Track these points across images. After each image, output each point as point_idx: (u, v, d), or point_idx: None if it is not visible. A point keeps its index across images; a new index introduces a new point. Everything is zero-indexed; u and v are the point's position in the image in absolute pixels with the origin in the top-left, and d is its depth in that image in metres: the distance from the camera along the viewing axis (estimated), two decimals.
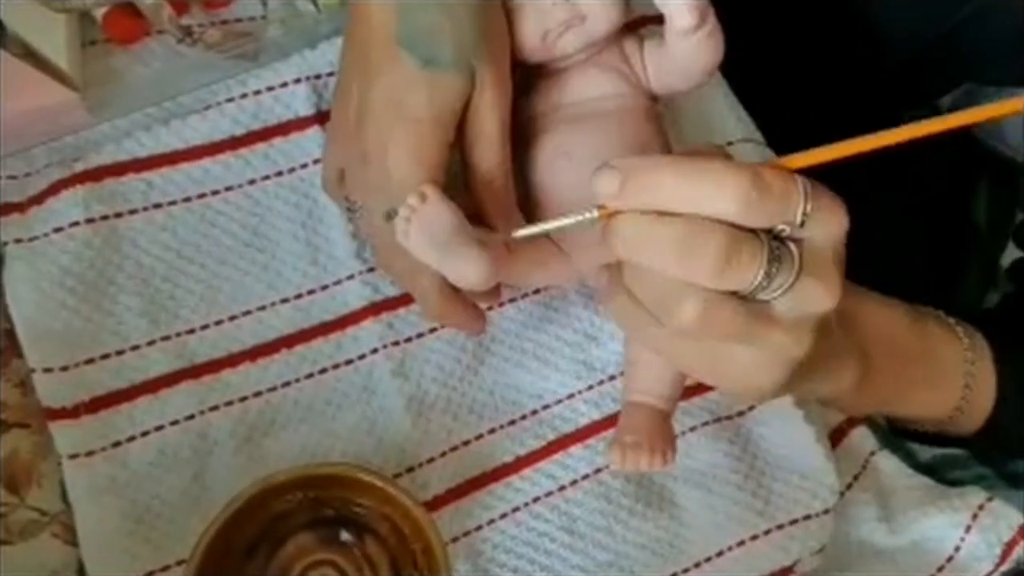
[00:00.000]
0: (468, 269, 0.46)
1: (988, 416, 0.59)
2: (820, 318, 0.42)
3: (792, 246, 0.41)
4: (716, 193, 0.39)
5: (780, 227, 0.40)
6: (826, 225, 0.41)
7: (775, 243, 0.40)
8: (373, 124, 0.50)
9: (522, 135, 0.55)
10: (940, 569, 0.60)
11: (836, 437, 0.63)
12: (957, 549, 0.60)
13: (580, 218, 0.43)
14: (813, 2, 0.71)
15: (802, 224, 0.40)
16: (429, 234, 0.47)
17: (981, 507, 0.60)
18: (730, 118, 0.67)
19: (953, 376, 0.57)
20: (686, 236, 0.39)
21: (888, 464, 0.63)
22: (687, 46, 0.51)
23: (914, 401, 0.58)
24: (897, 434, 0.64)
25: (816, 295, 0.42)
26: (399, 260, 0.51)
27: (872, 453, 0.63)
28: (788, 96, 0.54)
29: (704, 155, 0.41)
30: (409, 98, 0.50)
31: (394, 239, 0.48)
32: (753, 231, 0.40)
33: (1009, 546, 0.59)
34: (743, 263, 0.40)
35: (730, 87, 0.68)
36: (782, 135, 0.55)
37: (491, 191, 0.52)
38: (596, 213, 0.42)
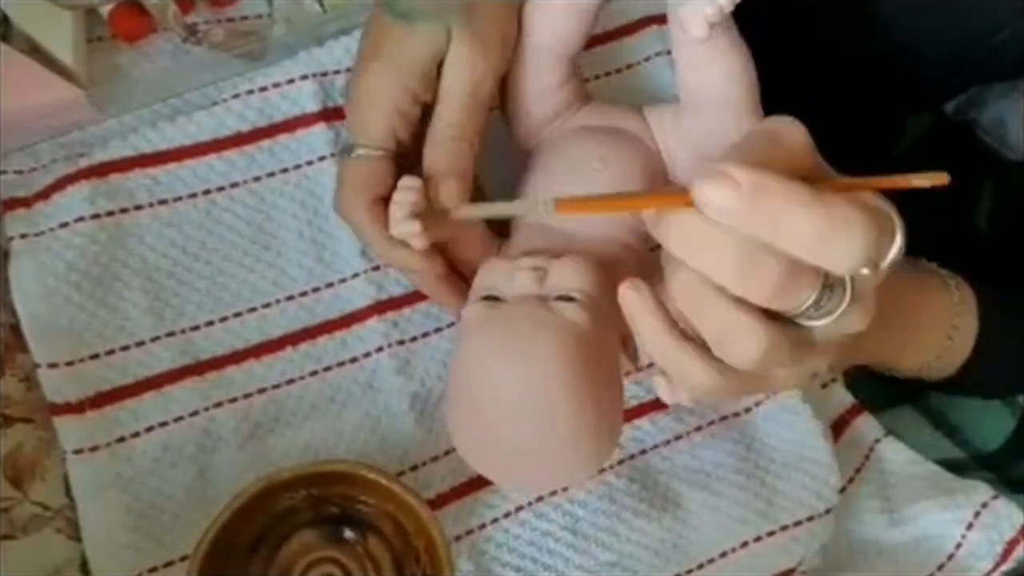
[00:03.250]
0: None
1: (964, 362, 0.59)
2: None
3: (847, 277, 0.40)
4: (841, 253, 0.37)
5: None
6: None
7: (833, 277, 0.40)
8: (355, 65, 0.55)
9: (551, 139, 0.56)
10: (941, 567, 0.60)
11: (839, 427, 0.63)
12: (958, 546, 0.60)
13: (534, 207, 0.41)
14: (822, 14, 0.71)
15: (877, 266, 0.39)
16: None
17: (984, 505, 0.60)
18: None
19: (941, 325, 0.58)
20: (753, 253, 0.37)
21: (893, 451, 0.63)
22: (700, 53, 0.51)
23: (902, 350, 0.59)
24: (868, 378, 0.64)
25: (857, 321, 0.41)
26: (338, 199, 0.54)
27: (876, 441, 0.63)
28: (792, 102, 0.54)
29: (831, 191, 0.38)
30: (381, 47, 0.53)
31: (340, 174, 0.53)
32: None
33: (1011, 545, 0.59)
34: (799, 290, 0.39)
35: None
36: None
37: (441, 150, 0.53)
38: (553, 206, 0.39)
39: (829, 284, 0.39)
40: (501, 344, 0.49)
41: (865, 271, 0.38)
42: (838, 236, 0.37)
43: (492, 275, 0.51)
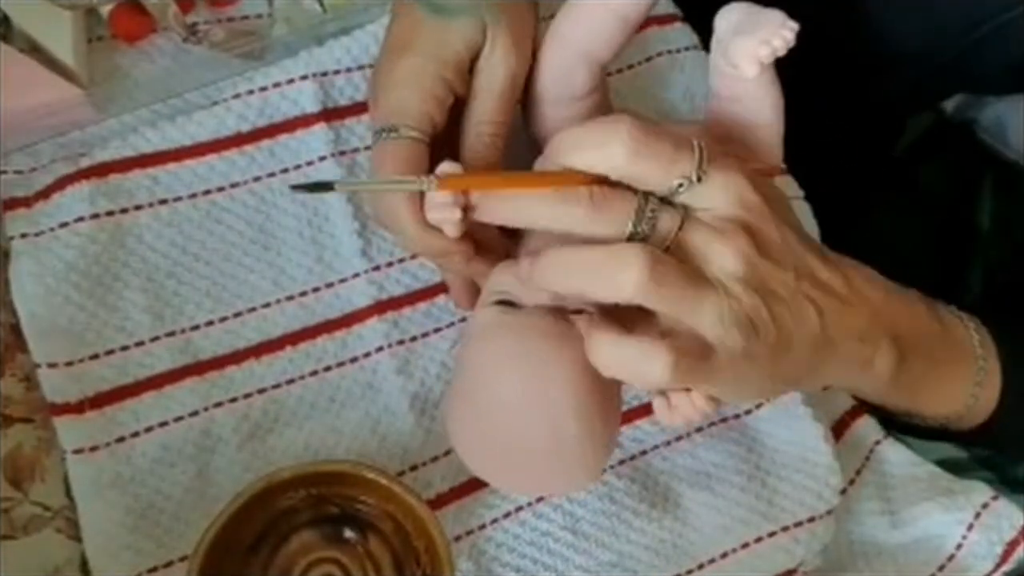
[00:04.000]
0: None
1: (991, 412, 0.58)
2: (746, 278, 0.44)
3: (680, 207, 0.45)
4: (599, 152, 0.44)
5: (676, 182, 0.44)
6: (725, 184, 0.45)
7: (659, 203, 0.45)
8: (383, 57, 0.55)
9: None
10: (941, 568, 0.60)
11: (839, 428, 0.63)
12: (959, 547, 0.60)
13: (417, 184, 0.47)
14: (822, 15, 0.71)
15: (699, 179, 0.44)
16: None
17: (985, 505, 0.60)
18: None
19: (969, 365, 0.57)
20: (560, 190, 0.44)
21: (893, 453, 0.63)
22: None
23: (938, 391, 0.57)
24: (901, 431, 0.64)
25: (708, 250, 0.44)
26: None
27: (877, 442, 0.63)
28: (791, 104, 0.54)
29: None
30: (414, 41, 0.53)
31: (374, 155, 0.53)
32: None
33: (1011, 546, 0.59)
34: (613, 210, 0.44)
35: None
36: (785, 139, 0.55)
37: (478, 144, 0.54)
38: (435, 182, 0.46)
39: (653, 209, 0.44)
40: (515, 354, 0.48)
41: (677, 182, 0.44)
42: (592, 139, 0.44)
43: (506, 277, 0.51)
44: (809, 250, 0.48)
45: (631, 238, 0.44)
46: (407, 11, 0.54)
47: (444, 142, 0.54)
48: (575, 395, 0.47)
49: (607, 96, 0.58)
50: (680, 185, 0.44)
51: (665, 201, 0.45)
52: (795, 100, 0.53)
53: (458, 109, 0.54)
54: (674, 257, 0.44)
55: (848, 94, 0.74)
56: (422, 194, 0.50)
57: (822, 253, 0.49)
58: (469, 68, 0.54)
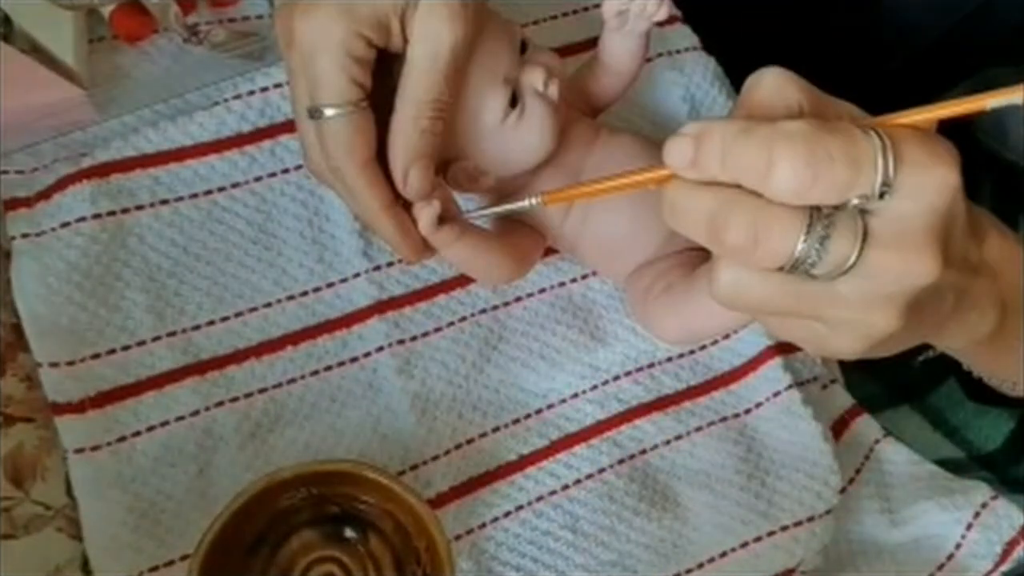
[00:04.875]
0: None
1: None
2: (922, 291, 0.39)
3: (859, 220, 0.38)
4: (766, 171, 0.37)
5: (854, 201, 0.37)
6: (917, 192, 0.38)
7: (831, 218, 0.37)
8: (300, 11, 0.49)
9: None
10: (940, 567, 0.60)
11: (839, 428, 0.63)
12: (958, 547, 0.60)
13: (524, 204, 0.47)
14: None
15: (882, 195, 0.37)
16: None
17: (984, 505, 0.60)
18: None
19: None
20: (717, 209, 0.38)
21: (893, 452, 0.63)
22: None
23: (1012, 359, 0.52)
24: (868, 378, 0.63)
25: (894, 272, 0.38)
26: (321, 162, 0.51)
27: (876, 441, 0.63)
28: None
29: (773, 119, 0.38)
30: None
31: (318, 137, 0.49)
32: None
33: (1010, 546, 0.60)
34: (773, 241, 0.37)
35: (732, 82, 0.68)
36: None
37: (401, 136, 0.49)
38: (539, 198, 0.46)
39: (826, 234, 0.37)
40: None
41: (855, 201, 0.37)
42: (777, 163, 0.36)
43: None
44: (970, 236, 0.42)
45: (795, 266, 0.38)
46: None
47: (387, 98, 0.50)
48: None
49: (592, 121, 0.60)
50: (859, 201, 0.38)
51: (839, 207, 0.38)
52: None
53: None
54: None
55: (845, 79, 0.74)
56: (377, 166, 0.50)
57: (973, 229, 0.43)
58: (402, 28, 0.49)
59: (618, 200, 0.56)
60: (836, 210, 0.38)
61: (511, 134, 0.53)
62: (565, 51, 0.65)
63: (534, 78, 0.53)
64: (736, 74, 0.67)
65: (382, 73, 0.50)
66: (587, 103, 0.59)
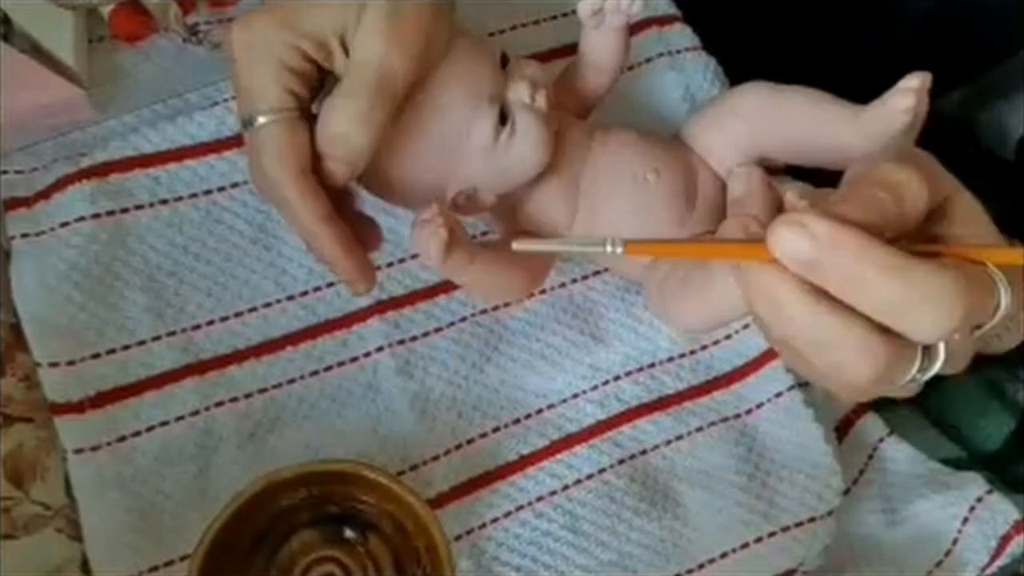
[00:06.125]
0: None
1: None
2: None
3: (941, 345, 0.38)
4: (919, 324, 0.35)
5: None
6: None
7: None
8: (239, 23, 0.50)
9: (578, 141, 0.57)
10: (939, 564, 0.60)
11: (843, 428, 0.63)
12: (955, 542, 0.60)
13: (603, 250, 0.38)
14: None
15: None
16: None
17: (979, 499, 0.60)
18: None
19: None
20: (848, 346, 0.36)
21: (896, 450, 0.63)
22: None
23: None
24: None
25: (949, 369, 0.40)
26: (259, 176, 0.50)
27: (880, 440, 0.63)
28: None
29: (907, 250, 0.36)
30: (276, 7, 0.49)
31: (252, 148, 0.49)
32: None
33: (1004, 540, 0.60)
34: (893, 379, 0.37)
35: (732, 82, 0.68)
36: None
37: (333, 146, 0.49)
38: (621, 249, 0.37)
39: (927, 358, 0.38)
40: None
41: (956, 336, 0.37)
42: (915, 306, 0.35)
43: None
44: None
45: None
46: None
47: None
48: None
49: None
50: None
51: None
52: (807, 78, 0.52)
53: None
54: None
55: (839, 75, 0.73)
56: (311, 178, 0.49)
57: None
58: (343, 48, 0.49)
59: (626, 201, 0.56)
60: None
61: (506, 152, 0.53)
62: (547, 56, 0.65)
63: (520, 92, 0.53)
64: (736, 74, 0.67)
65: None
66: (576, 104, 0.59)
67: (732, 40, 0.68)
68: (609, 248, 0.38)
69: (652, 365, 0.61)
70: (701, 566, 0.58)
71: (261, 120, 0.48)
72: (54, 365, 0.54)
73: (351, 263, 0.50)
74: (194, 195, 0.59)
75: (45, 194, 0.57)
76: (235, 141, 0.60)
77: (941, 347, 0.38)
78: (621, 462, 0.59)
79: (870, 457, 0.63)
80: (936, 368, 0.38)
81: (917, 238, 0.38)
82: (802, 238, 0.35)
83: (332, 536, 0.53)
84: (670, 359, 0.61)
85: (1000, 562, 0.59)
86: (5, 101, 0.56)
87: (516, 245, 0.40)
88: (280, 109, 0.48)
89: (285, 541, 0.53)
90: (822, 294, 0.36)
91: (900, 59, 0.68)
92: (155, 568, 0.53)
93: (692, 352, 0.62)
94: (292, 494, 0.52)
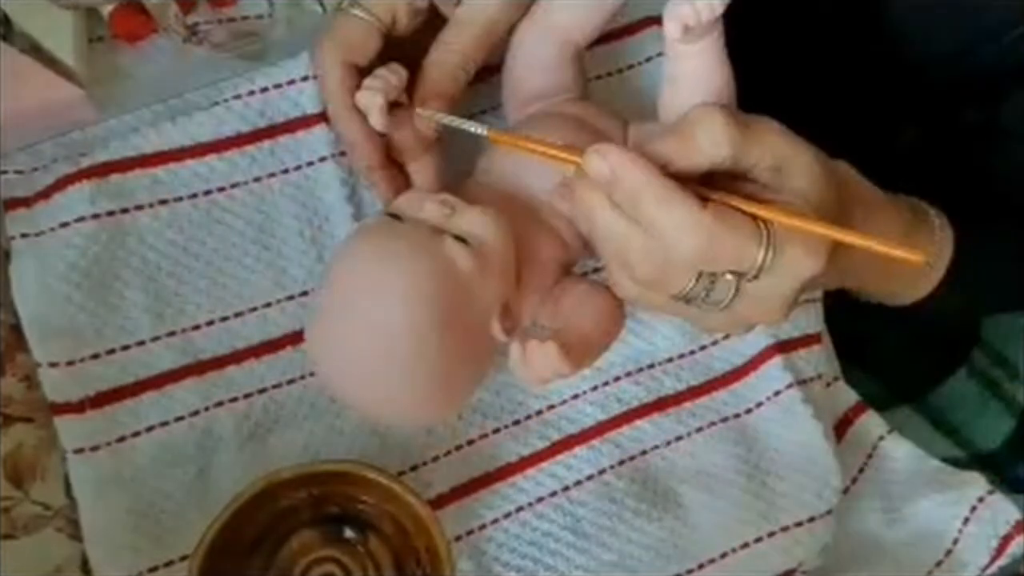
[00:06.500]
0: None
1: (930, 292, 0.58)
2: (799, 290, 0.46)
3: (735, 282, 0.45)
4: (673, 236, 0.43)
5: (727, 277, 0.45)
6: (782, 278, 0.45)
7: (714, 279, 0.45)
8: None
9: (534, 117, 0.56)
10: (939, 564, 0.60)
11: (842, 426, 0.63)
12: (955, 542, 0.60)
13: (477, 130, 0.49)
14: (831, 14, 0.71)
15: (756, 276, 0.44)
16: None
17: (981, 499, 0.61)
18: None
19: (924, 249, 0.56)
20: (631, 244, 0.45)
21: (895, 448, 0.63)
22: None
23: (879, 280, 0.58)
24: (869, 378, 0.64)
25: (756, 317, 0.47)
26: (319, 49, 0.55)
27: (880, 438, 0.63)
28: (796, 100, 0.54)
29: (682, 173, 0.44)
30: None
31: (337, 30, 0.54)
32: None
33: (1005, 540, 0.60)
34: (671, 287, 0.45)
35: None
36: None
37: (440, 69, 0.55)
38: (485, 133, 0.49)
39: (710, 287, 0.45)
40: (374, 254, 0.50)
41: (728, 277, 0.45)
42: (671, 230, 0.43)
43: (406, 199, 0.52)
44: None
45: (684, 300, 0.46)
46: None
47: (404, 56, 0.54)
48: (416, 308, 0.48)
49: (582, 78, 0.59)
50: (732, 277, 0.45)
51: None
52: (799, 98, 0.53)
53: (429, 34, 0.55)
54: None
55: (858, 95, 0.73)
56: (359, 74, 0.53)
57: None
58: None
59: None
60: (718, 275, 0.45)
61: (485, 292, 0.51)
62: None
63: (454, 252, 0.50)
64: (736, 74, 0.67)
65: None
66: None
67: (732, 40, 0.68)
68: (475, 130, 0.49)
69: (651, 366, 0.61)
70: (701, 566, 0.58)
71: (355, 12, 0.54)
72: (54, 365, 0.54)
73: (370, 148, 0.55)
74: (194, 195, 0.59)
75: (45, 194, 0.57)
76: (235, 141, 0.59)
77: (728, 277, 0.45)
78: (621, 463, 0.59)
79: (870, 456, 0.63)
80: (721, 293, 0.45)
81: (753, 187, 0.46)
82: (602, 163, 0.44)
83: (332, 536, 0.53)
84: (669, 359, 0.61)
85: (1001, 562, 0.60)
86: (5, 101, 0.56)
87: (420, 110, 0.52)
88: (375, 16, 0.54)
89: (285, 541, 0.53)
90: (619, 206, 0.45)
91: (904, 64, 0.67)
92: (155, 568, 0.53)
93: (691, 352, 0.62)
94: (292, 494, 0.52)
